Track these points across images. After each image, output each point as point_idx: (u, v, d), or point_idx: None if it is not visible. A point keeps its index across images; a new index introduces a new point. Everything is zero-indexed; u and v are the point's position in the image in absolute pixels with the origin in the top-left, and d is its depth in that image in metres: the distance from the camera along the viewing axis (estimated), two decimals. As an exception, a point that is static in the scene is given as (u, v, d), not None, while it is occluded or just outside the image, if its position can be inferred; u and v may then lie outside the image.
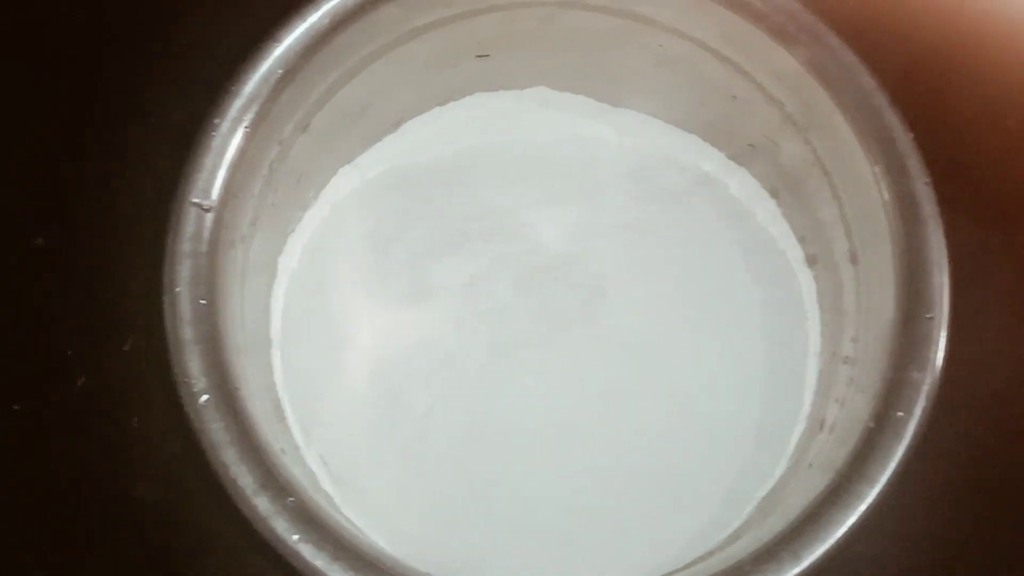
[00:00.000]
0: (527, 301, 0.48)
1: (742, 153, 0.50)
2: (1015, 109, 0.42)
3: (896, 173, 0.39)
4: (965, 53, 0.42)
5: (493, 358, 0.46)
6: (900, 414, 0.35)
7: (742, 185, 0.50)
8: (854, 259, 0.42)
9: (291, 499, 0.34)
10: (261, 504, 0.34)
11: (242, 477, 0.35)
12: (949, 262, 0.38)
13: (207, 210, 0.38)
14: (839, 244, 0.43)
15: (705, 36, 0.45)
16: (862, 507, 0.35)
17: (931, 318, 0.37)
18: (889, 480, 0.35)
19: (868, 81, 0.40)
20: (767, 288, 0.48)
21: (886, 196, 0.39)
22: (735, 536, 0.41)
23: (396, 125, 0.50)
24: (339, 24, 0.41)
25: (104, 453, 0.40)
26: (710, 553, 0.41)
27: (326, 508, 0.37)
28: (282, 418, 0.44)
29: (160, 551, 0.37)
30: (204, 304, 0.37)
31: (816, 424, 0.42)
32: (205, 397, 0.35)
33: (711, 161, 0.51)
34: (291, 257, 0.48)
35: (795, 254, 0.48)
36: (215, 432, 0.35)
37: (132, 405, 0.39)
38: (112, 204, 0.41)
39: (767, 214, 0.49)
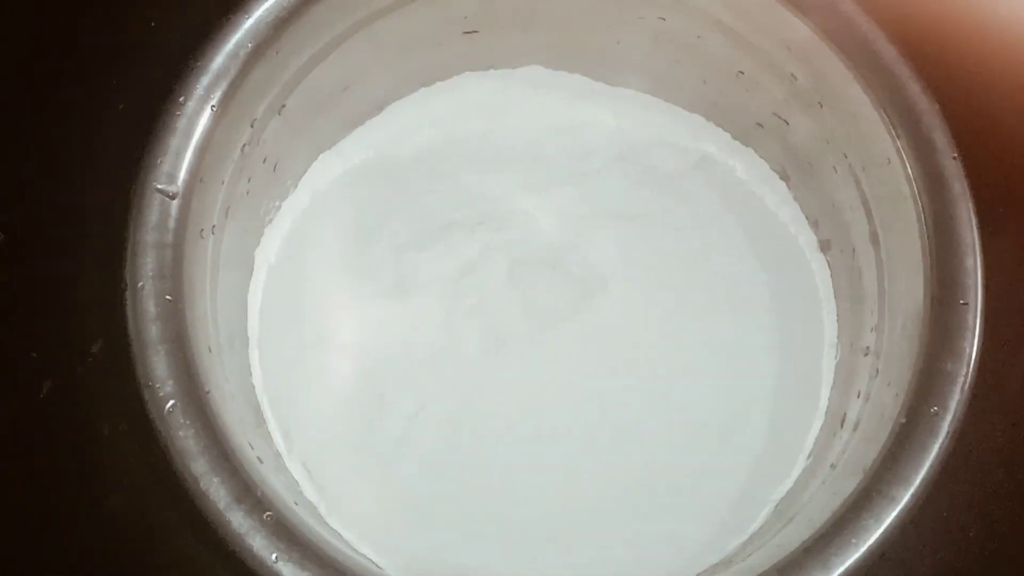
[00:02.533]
0: (519, 295, 0.45)
1: (749, 133, 0.47)
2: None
3: (922, 148, 0.36)
4: (992, 18, 0.39)
5: (483, 355, 0.44)
6: (934, 409, 0.33)
7: (749, 167, 0.47)
8: (875, 241, 0.39)
9: (268, 514, 0.31)
10: (235, 519, 0.31)
11: (214, 490, 0.31)
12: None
13: (172, 197, 0.34)
14: (858, 227, 0.41)
15: (708, 5, 0.42)
16: (896, 511, 0.32)
17: (965, 304, 0.34)
18: (924, 481, 0.32)
19: (888, 49, 0.37)
20: (777, 276, 0.45)
21: (912, 173, 0.36)
22: (752, 542, 0.38)
23: (379, 108, 0.47)
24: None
25: (72, 464, 0.38)
26: (726, 562, 0.38)
27: (308, 521, 0.34)
28: (261, 423, 0.41)
29: (129, 573, 0.34)
30: (170, 300, 0.34)
31: (836, 420, 0.40)
32: (172, 403, 0.32)
33: (715, 142, 0.48)
34: (269, 250, 0.44)
35: (807, 239, 0.45)
36: (183, 441, 0.32)
37: (102, 412, 0.36)
38: (72, 193, 0.38)
39: (776, 197, 0.46)
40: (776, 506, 0.40)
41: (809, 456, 0.41)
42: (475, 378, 0.43)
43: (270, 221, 0.44)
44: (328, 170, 0.46)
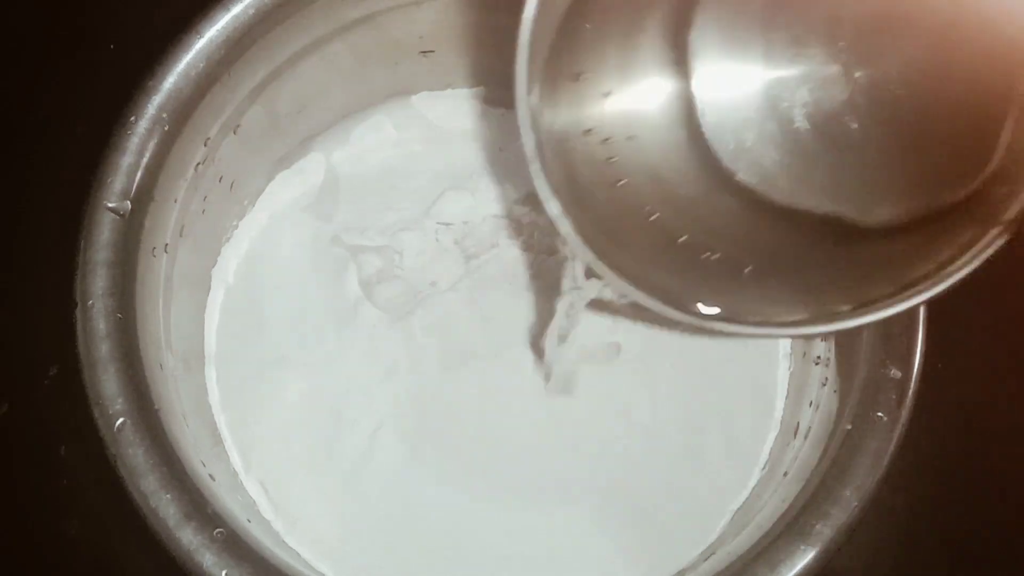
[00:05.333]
0: (479, 311, 0.45)
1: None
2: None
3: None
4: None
5: (443, 371, 0.44)
6: (880, 414, 0.33)
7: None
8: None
9: (219, 530, 0.31)
10: (185, 537, 0.31)
11: (163, 507, 0.31)
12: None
13: (123, 215, 0.35)
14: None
15: None
16: (843, 516, 0.32)
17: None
18: (870, 486, 0.32)
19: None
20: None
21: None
22: (709, 552, 0.39)
23: (337, 127, 0.48)
24: (266, 15, 0.38)
25: (29, 486, 0.37)
26: (683, 572, 0.38)
27: (261, 540, 0.34)
28: (218, 442, 0.41)
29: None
30: (120, 318, 0.33)
31: (789, 430, 0.40)
32: (121, 420, 0.32)
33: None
34: (226, 269, 0.45)
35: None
36: (133, 458, 0.32)
37: (59, 433, 0.37)
38: (23, 212, 0.38)
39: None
40: (733, 516, 0.40)
41: (764, 466, 0.41)
42: (434, 395, 0.43)
43: (227, 240, 0.44)
44: (285, 189, 0.46)
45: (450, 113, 0.49)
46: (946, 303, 0.36)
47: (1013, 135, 0.28)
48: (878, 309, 0.28)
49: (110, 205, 0.35)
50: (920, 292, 0.28)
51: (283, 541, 0.40)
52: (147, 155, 0.36)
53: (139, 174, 0.35)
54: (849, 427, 0.33)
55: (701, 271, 0.32)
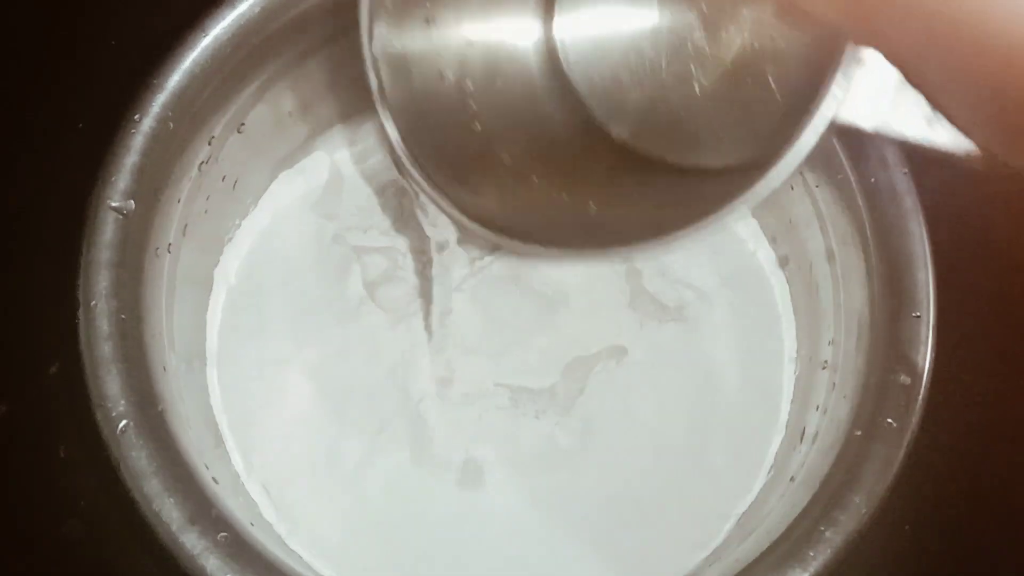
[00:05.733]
0: (482, 310, 0.44)
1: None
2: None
3: (874, 163, 0.36)
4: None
5: (447, 373, 0.43)
6: (889, 420, 0.33)
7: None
8: (830, 256, 0.40)
9: (223, 534, 0.31)
10: (189, 541, 0.31)
11: (167, 511, 0.31)
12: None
13: (126, 215, 0.34)
14: (814, 242, 0.41)
15: None
16: (851, 522, 0.32)
17: (918, 317, 0.34)
18: (879, 492, 0.32)
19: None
20: (737, 292, 0.46)
21: (864, 188, 0.36)
22: (715, 557, 0.38)
23: (341, 127, 0.47)
24: (272, 14, 0.37)
25: (28, 487, 0.37)
26: (688, 577, 0.38)
27: (265, 543, 0.33)
28: (220, 443, 0.41)
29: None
30: (124, 319, 0.33)
31: (796, 434, 0.40)
32: (124, 422, 0.32)
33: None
34: (228, 269, 0.44)
35: (766, 255, 0.46)
36: (136, 461, 0.31)
37: (59, 434, 0.37)
38: (25, 211, 0.37)
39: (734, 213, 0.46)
40: (738, 520, 0.40)
41: (770, 470, 0.41)
42: (439, 396, 0.43)
43: (230, 240, 0.44)
44: (289, 189, 0.46)
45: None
46: (955, 310, 0.36)
47: None
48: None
49: (114, 204, 0.34)
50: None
51: (285, 544, 0.39)
52: (151, 154, 0.35)
53: (143, 173, 0.35)
54: (859, 433, 0.33)
55: (550, 211, 0.33)
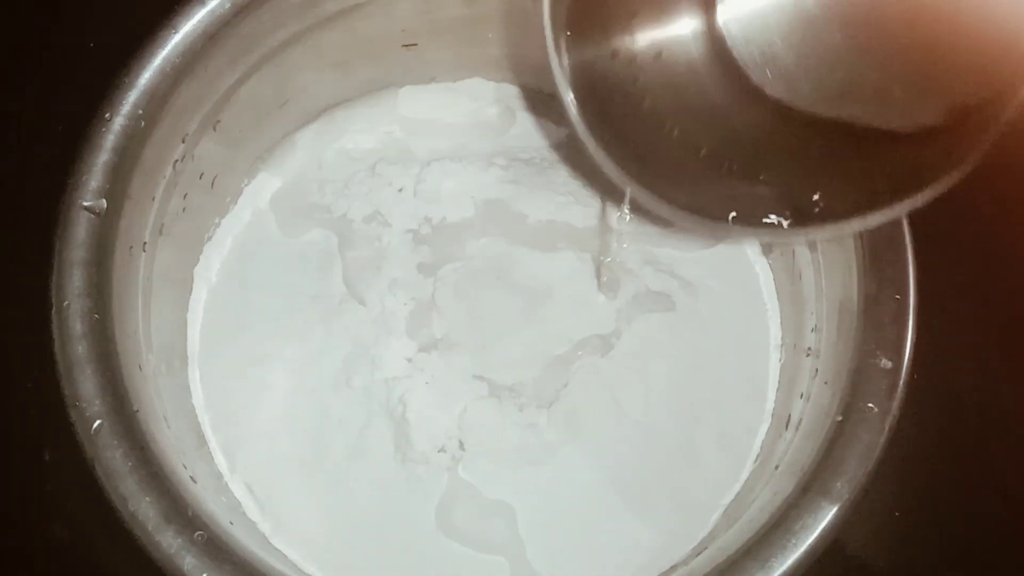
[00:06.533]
0: (465, 305, 0.44)
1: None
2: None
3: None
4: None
5: (432, 366, 0.43)
6: (871, 405, 0.33)
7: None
8: (812, 245, 0.39)
9: (199, 533, 0.31)
10: (165, 540, 0.30)
11: (143, 511, 0.31)
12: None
13: (98, 214, 0.34)
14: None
15: None
16: (834, 508, 0.32)
17: (899, 299, 0.34)
18: (862, 478, 0.32)
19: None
20: (722, 280, 0.45)
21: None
22: (702, 547, 0.38)
23: (320, 121, 0.47)
24: (242, 9, 0.37)
25: (13, 491, 0.37)
26: (675, 567, 0.38)
27: (245, 542, 0.33)
28: (203, 443, 0.41)
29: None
30: (97, 319, 0.33)
31: (781, 422, 0.40)
32: (99, 422, 0.31)
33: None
34: (208, 267, 0.44)
35: (750, 243, 0.45)
36: (111, 460, 0.31)
37: (43, 437, 0.36)
38: (6, 213, 0.37)
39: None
40: (725, 510, 0.40)
41: (757, 459, 0.41)
42: (422, 392, 0.43)
43: (209, 238, 0.44)
44: (268, 185, 0.46)
45: (434, 106, 0.49)
46: (937, 293, 0.35)
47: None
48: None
49: (85, 204, 0.34)
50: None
51: (269, 542, 0.39)
52: (123, 152, 0.35)
53: (115, 172, 0.34)
54: (840, 418, 0.33)
55: (719, 181, 0.34)
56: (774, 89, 0.35)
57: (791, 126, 0.35)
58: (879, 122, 0.33)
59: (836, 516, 0.31)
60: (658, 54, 0.35)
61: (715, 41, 0.36)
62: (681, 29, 0.36)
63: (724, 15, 0.36)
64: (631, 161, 0.33)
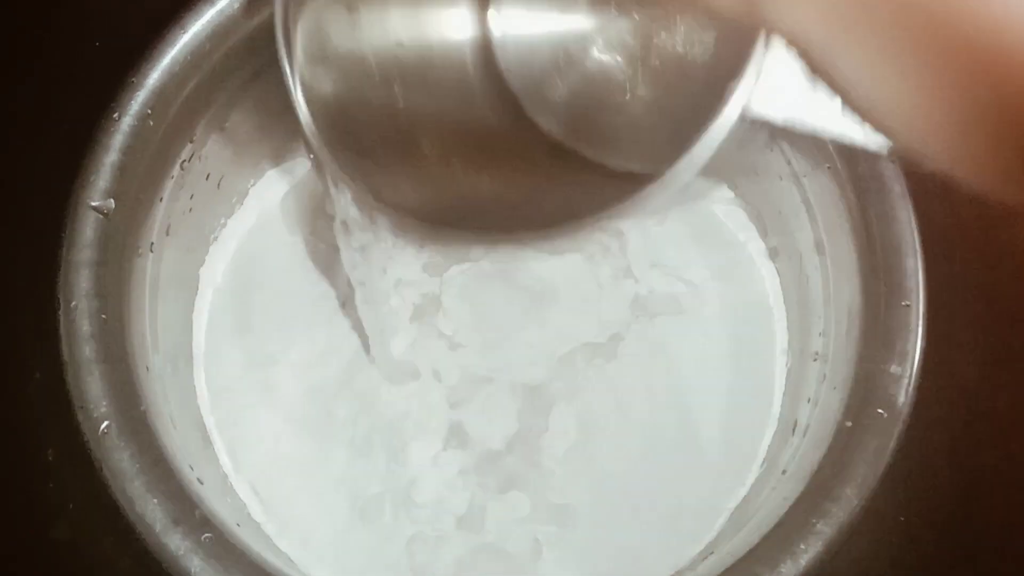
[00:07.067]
0: (470, 306, 0.44)
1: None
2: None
3: (861, 152, 0.36)
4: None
5: (437, 370, 0.43)
6: (879, 411, 0.32)
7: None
8: (820, 247, 0.39)
9: (207, 535, 0.31)
10: (172, 542, 0.30)
11: (150, 512, 0.31)
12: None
13: (106, 214, 0.34)
14: (803, 233, 0.41)
15: None
16: (842, 514, 0.31)
17: (908, 306, 0.34)
18: (870, 483, 0.32)
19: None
20: (728, 284, 0.45)
21: (851, 176, 0.36)
22: (708, 551, 0.38)
23: (327, 124, 0.47)
24: (252, 9, 0.37)
25: (16, 491, 0.37)
26: (681, 572, 0.38)
27: (253, 544, 0.33)
28: (208, 445, 0.41)
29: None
30: (105, 319, 0.33)
31: (788, 427, 0.40)
32: (106, 424, 0.31)
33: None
34: (214, 268, 0.44)
35: (757, 247, 0.45)
36: (118, 462, 0.31)
37: (46, 436, 0.36)
38: (4, 211, 0.37)
39: (725, 205, 0.46)
40: (731, 515, 0.40)
41: (763, 464, 0.41)
42: (428, 393, 0.43)
43: (215, 239, 0.44)
44: (275, 187, 0.46)
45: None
46: (945, 299, 0.35)
47: None
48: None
49: (93, 204, 0.34)
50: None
51: (274, 544, 0.39)
52: (131, 153, 0.35)
53: (122, 172, 0.34)
54: (849, 424, 0.33)
55: (468, 199, 0.34)
56: (533, 114, 0.35)
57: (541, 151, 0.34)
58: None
59: (845, 522, 0.31)
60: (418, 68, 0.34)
61: (486, 59, 0.35)
62: (443, 43, 0.35)
63: (497, 38, 0.35)
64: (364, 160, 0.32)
